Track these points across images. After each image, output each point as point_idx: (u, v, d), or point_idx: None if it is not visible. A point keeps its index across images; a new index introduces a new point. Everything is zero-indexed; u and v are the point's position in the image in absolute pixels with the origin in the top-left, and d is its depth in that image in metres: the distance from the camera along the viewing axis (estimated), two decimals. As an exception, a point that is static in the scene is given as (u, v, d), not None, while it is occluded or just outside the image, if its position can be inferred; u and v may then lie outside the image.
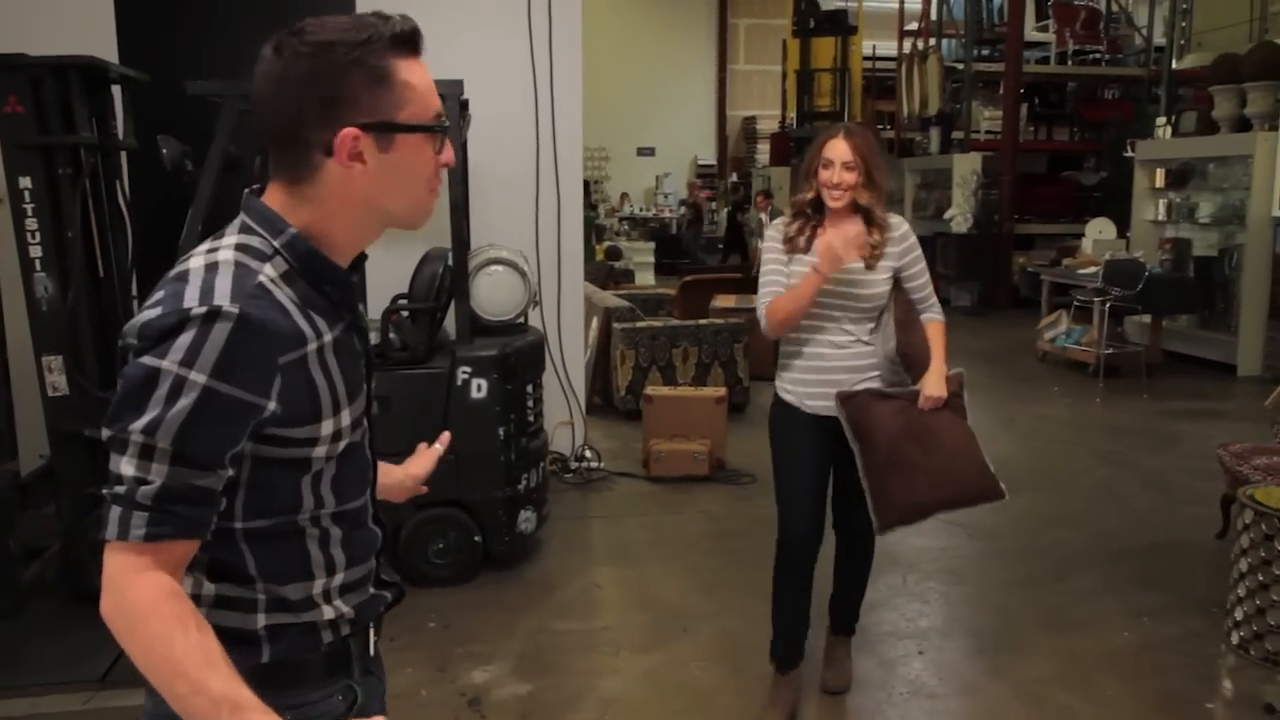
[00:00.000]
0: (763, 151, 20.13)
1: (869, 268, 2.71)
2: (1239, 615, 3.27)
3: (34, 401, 3.73)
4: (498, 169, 4.97)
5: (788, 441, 2.86)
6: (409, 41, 1.13)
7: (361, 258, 1.26)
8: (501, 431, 3.92)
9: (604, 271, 11.44)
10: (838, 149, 2.69)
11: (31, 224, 3.60)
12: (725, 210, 20.36)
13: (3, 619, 3.57)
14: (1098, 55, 13.98)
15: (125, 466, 1.02)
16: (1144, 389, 7.47)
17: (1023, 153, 12.73)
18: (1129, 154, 9.50)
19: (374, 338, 3.86)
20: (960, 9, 14.26)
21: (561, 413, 5.27)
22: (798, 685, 2.98)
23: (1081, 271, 8.52)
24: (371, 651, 1.32)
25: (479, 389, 3.88)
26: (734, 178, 21.27)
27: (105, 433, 1.04)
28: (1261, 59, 8.09)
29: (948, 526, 4.35)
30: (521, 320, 4.29)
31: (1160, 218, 9.08)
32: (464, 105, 3.97)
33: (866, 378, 2.76)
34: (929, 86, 13.43)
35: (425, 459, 1.58)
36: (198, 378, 1.02)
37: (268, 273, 1.10)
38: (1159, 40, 12.45)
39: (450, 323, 4.11)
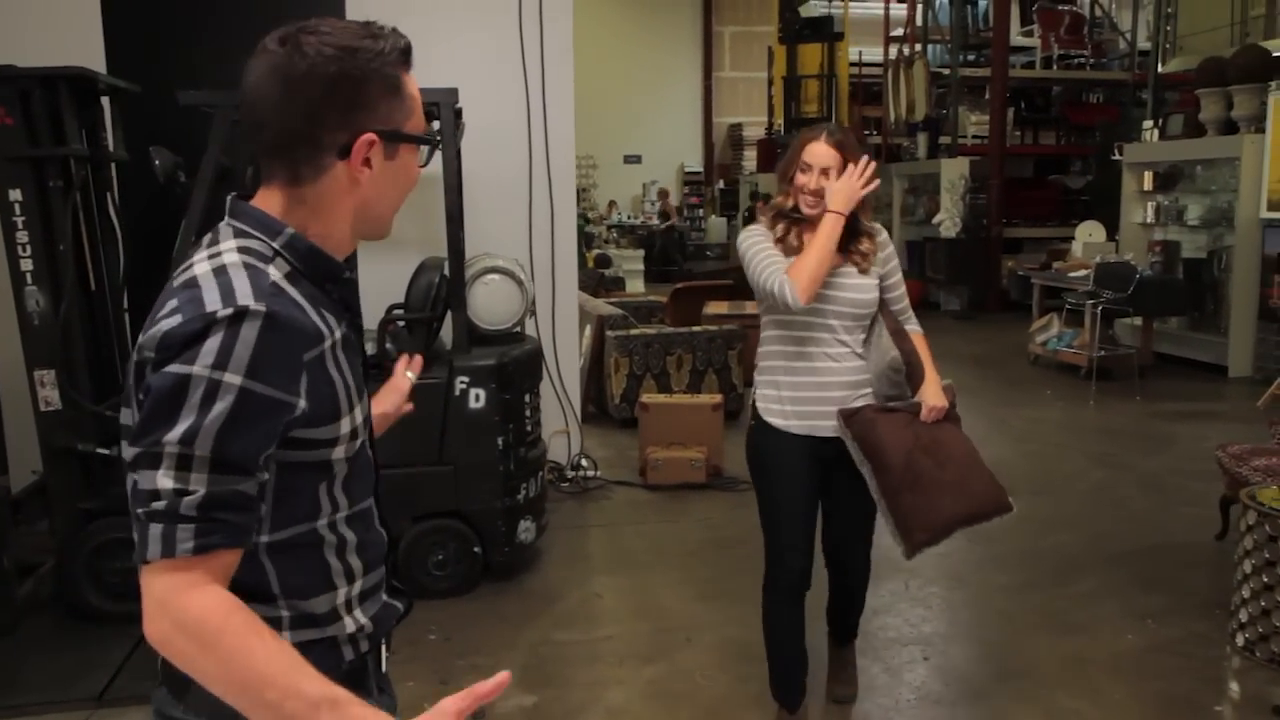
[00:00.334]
0: (749, 158, 20.18)
1: (863, 272, 2.59)
2: (1244, 617, 3.27)
3: (26, 416, 3.68)
4: (491, 177, 4.95)
5: (776, 469, 2.66)
6: (410, 55, 1.16)
7: (350, 258, 1.26)
8: (500, 441, 3.89)
9: (594, 279, 11.44)
10: (818, 152, 2.51)
11: (22, 237, 3.56)
12: (713, 216, 20.43)
13: (-2, 637, 3.53)
14: (1082, 60, 14.07)
15: (162, 480, 0.98)
16: (1136, 391, 7.49)
17: (1010, 157, 12.79)
18: (1117, 157, 9.56)
19: (371, 348, 3.83)
20: (945, 15, 14.35)
21: (557, 421, 5.24)
22: None
23: (1072, 275, 8.55)
24: (384, 668, 1.31)
25: (477, 399, 3.85)
26: (720, 185, 21.31)
27: (131, 450, 1.01)
28: (1247, 62, 8.15)
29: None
30: (518, 329, 4.27)
31: (1149, 220, 9.13)
32: (458, 114, 3.95)
33: (862, 394, 2.61)
34: (916, 92, 13.48)
35: (401, 380, 1.63)
36: (233, 379, 0.99)
37: (274, 273, 1.09)
38: (1142, 44, 12.54)
39: (447, 332, 4.08)
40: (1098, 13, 14.40)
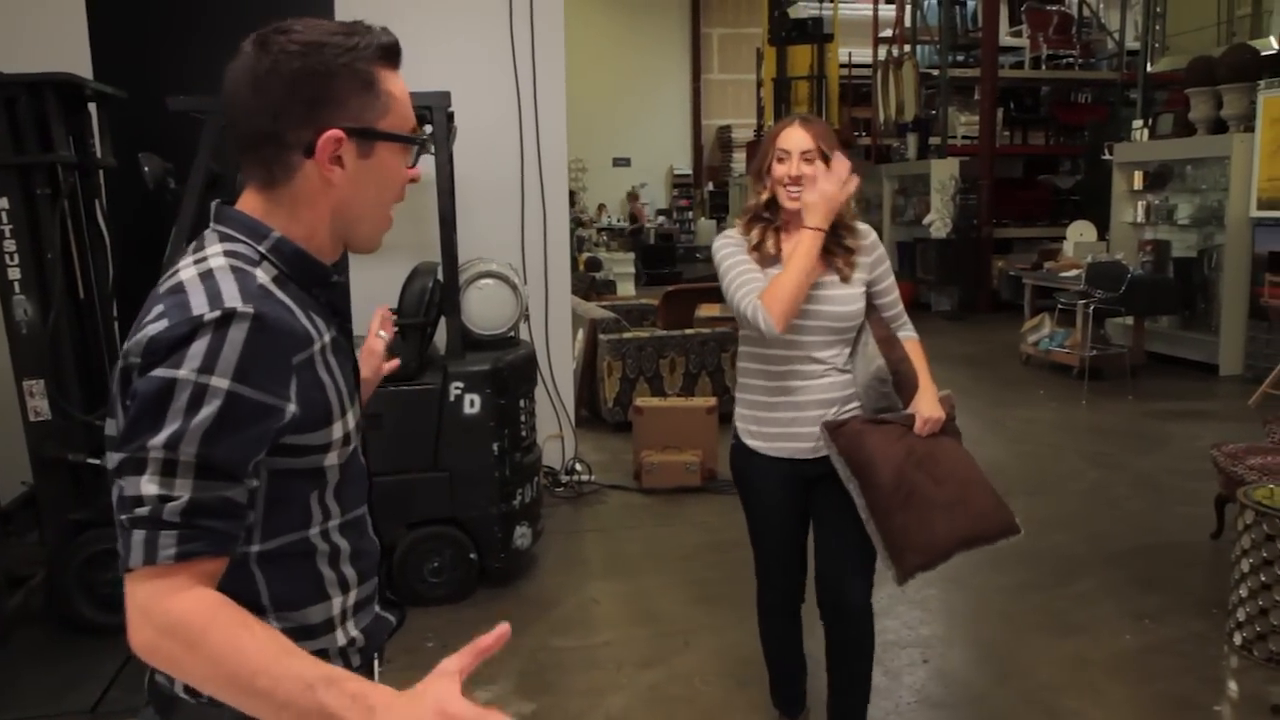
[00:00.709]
0: (739, 160, 20.18)
1: (844, 280, 2.35)
2: (1241, 616, 3.27)
3: (15, 427, 3.64)
4: (483, 181, 4.93)
5: (756, 493, 2.53)
6: (393, 53, 1.14)
7: (340, 262, 1.24)
8: (495, 447, 3.87)
9: (586, 282, 11.42)
10: (794, 138, 2.30)
11: (10, 245, 3.52)
12: (702, 219, 20.42)
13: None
14: (1071, 60, 14.11)
15: (146, 486, 0.96)
16: (1128, 390, 7.51)
17: (999, 157, 12.82)
18: (1106, 157, 9.58)
19: (363, 354, 3.79)
20: (934, 15, 14.38)
21: (551, 426, 5.22)
22: None
23: (1064, 275, 8.57)
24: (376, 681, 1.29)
25: (472, 404, 3.83)
26: (710, 187, 21.32)
27: (116, 456, 0.99)
28: (1236, 61, 8.19)
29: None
30: (513, 334, 4.25)
31: (1139, 220, 9.16)
32: (450, 117, 3.93)
33: (846, 411, 2.39)
34: (905, 93, 13.50)
35: (375, 341, 1.61)
36: (220, 383, 0.97)
37: (261, 277, 1.07)
38: (1130, 44, 12.59)
39: (441, 338, 4.05)
40: (1086, 13, 14.45)
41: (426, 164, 3.85)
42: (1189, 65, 8.88)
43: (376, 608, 1.28)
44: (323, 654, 1.14)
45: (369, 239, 1.18)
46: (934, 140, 13.09)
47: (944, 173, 12.03)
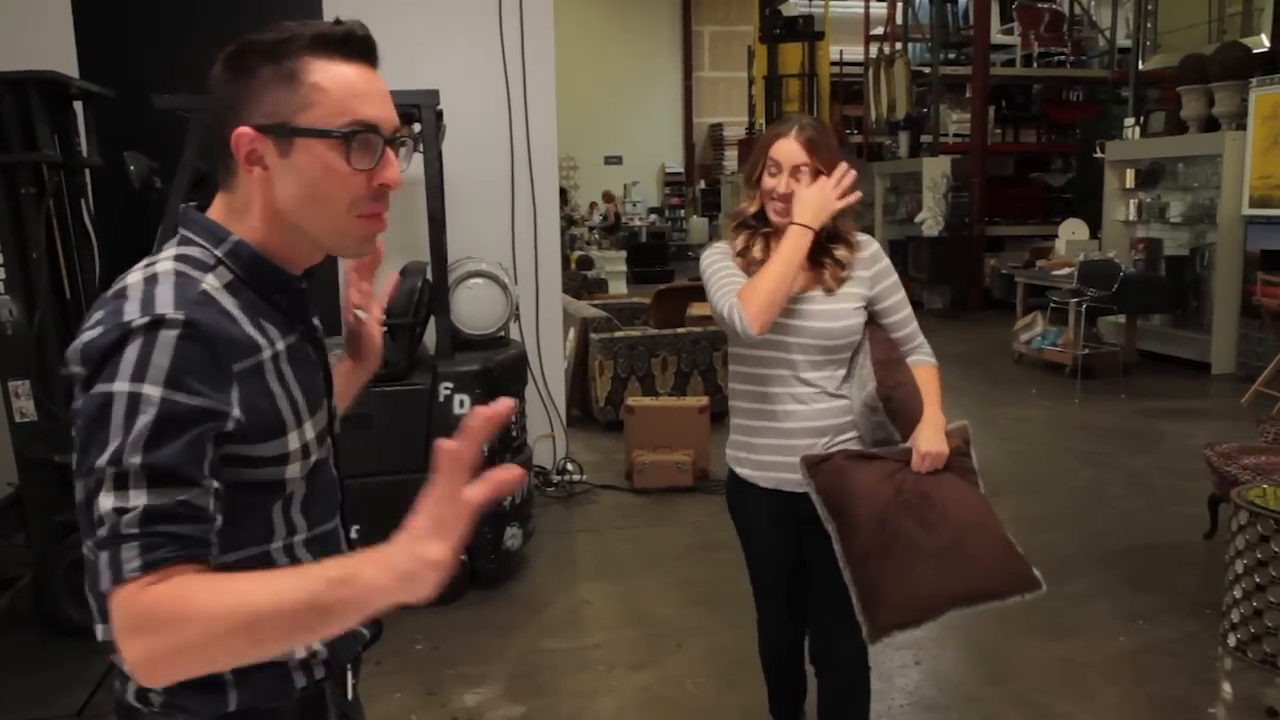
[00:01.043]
0: (730, 158, 20.18)
1: (829, 292, 2.12)
2: (1235, 617, 3.26)
3: (0, 428, 3.60)
4: (473, 180, 4.90)
5: (747, 528, 2.32)
6: (336, 43, 1.05)
7: (310, 269, 1.19)
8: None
9: (577, 281, 11.39)
10: (786, 149, 2.10)
11: (-7, 245, 3.49)
12: (694, 217, 20.41)
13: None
14: (1062, 57, 14.13)
15: (103, 503, 0.93)
16: (1121, 389, 7.51)
17: (991, 155, 12.83)
18: (1098, 155, 9.59)
19: (353, 355, 3.76)
20: (926, 13, 14.37)
21: (542, 426, 5.19)
22: None
23: (1056, 273, 8.57)
24: (350, 695, 1.25)
25: (461, 405, 3.79)
26: (702, 185, 21.31)
27: (78, 485, 0.96)
28: (1227, 59, 8.19)
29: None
30: (503, 334, 4.22)
31: (1131, 218, 9.17)
32: (439, 116, 3.90)
33: (840, 441, 2.15)
34: (896, 90, 13.49)
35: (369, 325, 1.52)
36: (152, 391, 0.95)
37: (210, 282, 1.05)
38: (1122, 42, 12.60)
39: (431, 338, 4.03)
40: (1077, 10, 14.47)
41: (413, 164, 3.82)
42: (1181, 63, 8.88)
43: None
44: (280, 667, 1.12)
45: (334, 244, 1.12)
46: (926, 138, 13.09)
47: (936, 171, 12.03)
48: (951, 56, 13.94)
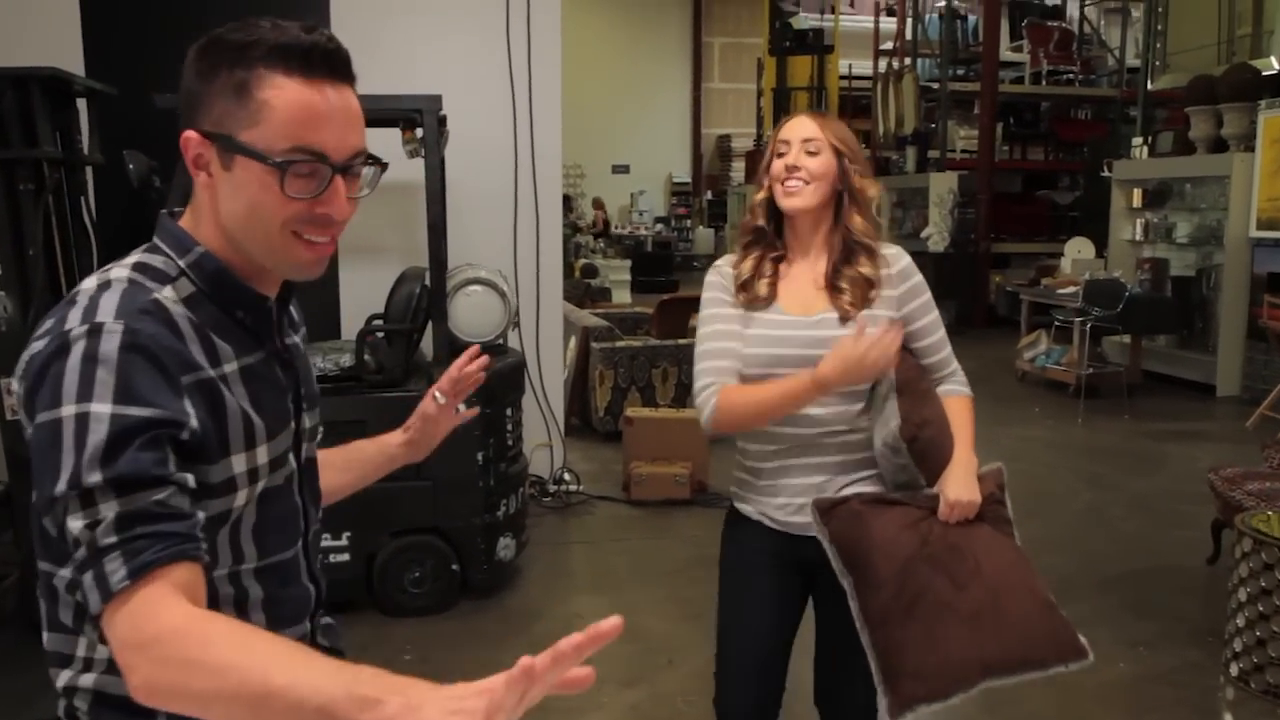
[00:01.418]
0: (738, 169, 20.18)
1: (845, 319, 1.83)
2: (1238, 646, 3.20)
3: (-8, 427, 3.57)
4: (476, 186, 4.87)
5: (737, 570, 1.99)
6: (298, 56, 0.98)
7: (289, 287, 1.15)
8: (480, 456, 3.80)
9: (581, 289, 11.35)
10: (798, 127, 1.86)
11: (-10, 241, 3.46)
12: (700, 227, 20.39)
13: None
14: (1071, 76, 14.12)
15: (73, 525, 0.89)
16: (1125, 409, 7.46)
17: (998, 172, 12.80)
18: (1106, 174, 9.56)
19: (349, 359, 3.74)
20: (935, 29, 14.37)
21: (540, 435, 5.15)
22: None
23: (1061, 291, 8.52)
24: None
25: (455, 413, 3.75)
26: (709, 195, 21.31)
27: (41, 517, 0.92)
28: (1237, 80, 8.17)
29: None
30: (501, 341, 4.18)
31: (1138, 238, 9.13)
32: (442, 121, 3.87)
33: (858, 478, 1.88)
34: (905, 106, 13.49)
35: (428, 403, 1.46)
36: (100, 409, 0.90)
37: (167, 294, 1.00)
38: (1131, 61, 12.59)
39: (428, 345, 3.99)
40: (1087, 29, 14.46)
41: (414, 169, 3.83)
42: (1189, 84, 8.86)
43: None
44: None
45: (273, 265, 1.06)
46: (933, 153, 13.07)
47: (942, 186, 12.01)
48: (960, 72, 13.94)
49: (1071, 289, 8.31)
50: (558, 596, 4.05)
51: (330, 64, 1.00)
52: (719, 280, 1.94)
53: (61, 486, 0.89)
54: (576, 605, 3.97)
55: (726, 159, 21.41)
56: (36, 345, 0.95)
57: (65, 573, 0.91)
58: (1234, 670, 3.23)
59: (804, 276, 1.89)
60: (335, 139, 1.00)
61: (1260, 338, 7.55)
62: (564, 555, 4.58)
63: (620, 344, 6.57)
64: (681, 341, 6.78)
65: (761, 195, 1.90)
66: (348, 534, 3.68)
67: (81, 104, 3.84)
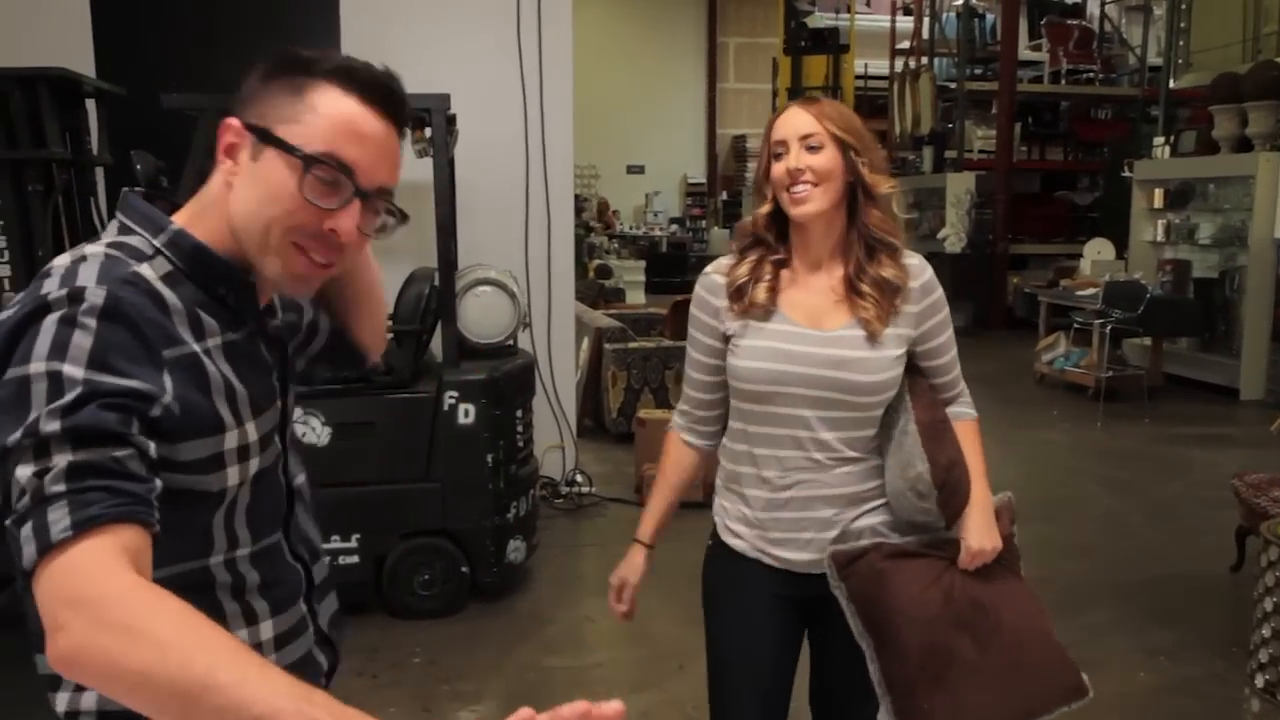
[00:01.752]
0: (753, 170, 20.03)
1: (872, 336, 1.63)
2: (1263, 657, 3.12)
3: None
4: (487, 187, 4.85)
5: (729, 612, 1.81)
6: (360, 80, 1.02)
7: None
8: (490, 458, 3.77)
9: (594, 290, 11.31)
10: (791, 123, 1.62)
11: (0, 242, 3.45)
12: (715, 228, 20.31)
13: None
14: (1091, 75, 13.96)
15: (21, 473, 0.82)
16: (1146, 413, 7.35)
17: (1016, 172, 12.68)
18: (1126, 174, 9.43)
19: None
20: (952, 28, 14.25)
21: (552, 436, 5.11)
22: None
23: (1080, 293, 8.42)
24: None
25: (466, 414, 3.72)
26: (724, 196, 21.23)
27: None
28: (1262, 78, 8.03)
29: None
30: (511, 343, 4.15)
31: (1159, 239, 9.01)
32: (451, 120, 3.84)
33: (863, 513, 1.70)
34: (921, 105, 13.37)
35: None
36: (74, 371, 0.86)
37: (145, 271, 0.97)
38: (1153, 60, 12.44)
39: (437, 345, 3.96)
40: (1107, 28, 14.30)
41: (424, 168, 3.79)
42: (1213, 82, 8.72)
43: (311, 644, 1.16)
44: None
45: (264, 266, 1.03)
46: (950, 154, 12.96)
47: (959, 187, 11.90)
48: (978, 72, 13.81)
49: (1091, 290, 8.21)
50: (568, 600, 4.01)
51: (389, 100, 1.03)
52: (704, 296, 1.73)
53: (16, 436, 0.84)
54: (587, 608, 3.92)
55: (741, 159, 21.29)
56: (6, 313, 0.91)
57: (7, 525, 0.84)
58: (1259, 681, 3.15)
59: (816, 285, 1.67)
60: (368, 163, 1.02)
61: (1284, 340, 7.43)
62: (575, 558, 4.54)
63: (633, 345, 6.53)
64: (695, 343, 6.71)
65: (766, 209, 1.68)
66: (357, 536, 3.65)
67: (91, 104, 3.83)
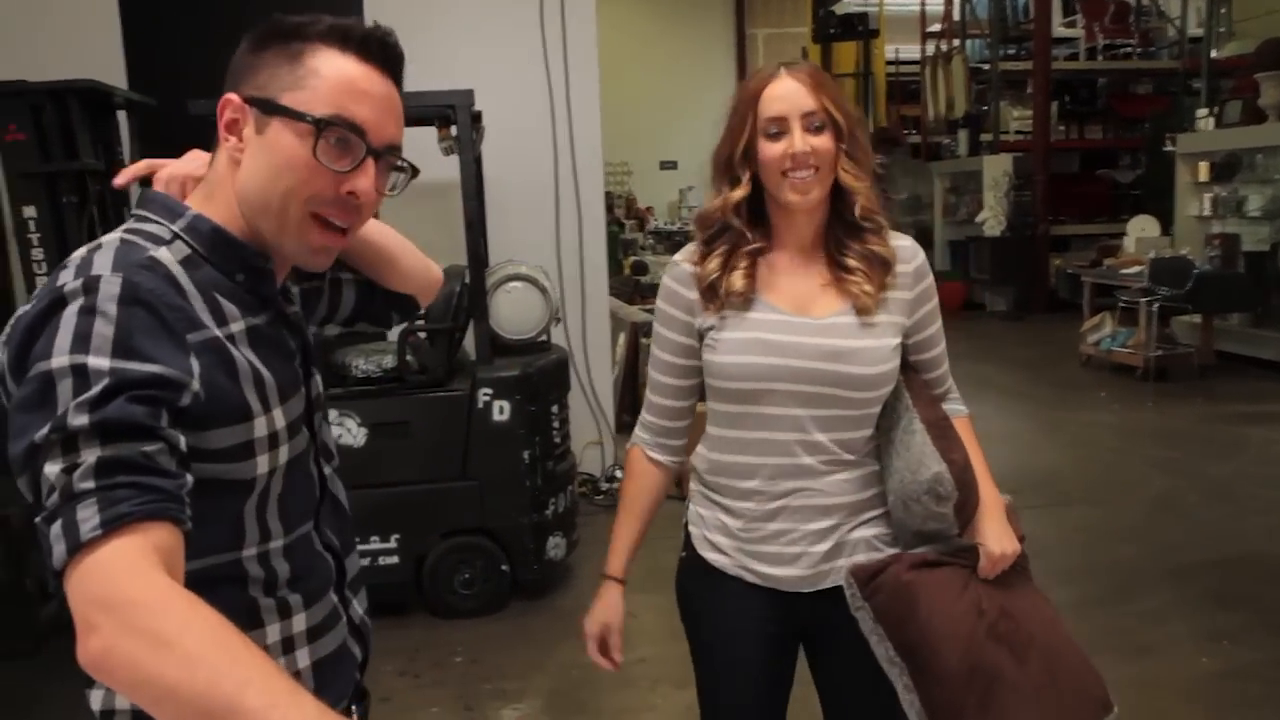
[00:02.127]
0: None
1: (865, 315, 1.48)
2: (1331, 638, 3.01)
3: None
4: (517, 183, 4.84)
5: (712, 639, 1.63)
6: (353, 38, 1.01)
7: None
8: (526, 455, 3.74)
9: (630, 286, 11.28)
10: (793, 96, 1.44)
11: (37, 254, 3.50)
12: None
13: (20, 659, 3.44)
14: (1129, 49, 13.64)
15: (49, 469, 0.80)
16: (1198, 392, 7.15)
17: (1055, 152, 12.42)
18: (1169, 148, 9.20)
19: (391, 360, 3.70)
20: (984, 8, 14.00)
21: (590, 432, 5.09)
22: None
23: (1125, 271, 8.21)
24: None
25: (501, 411, 3.70)
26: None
27: (15, 466, 0.84)
28: (1308, 43, 7.78)
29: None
30: (544, 339, 4.12)
31: (1205, 213, 8.76)
32: (476, 117, 3.82)
33: (860, 523, 1.55)
34: (955, 88, 13.16)
35: None
36: (99, 363, 0.83)
37: (163, 255, 0.95)
38: (1193, 31, 12.12)
39: (470, 343, 3.95)
40: (1144, 1, 13.97)
41: (454, 167, 3.78)
42: (1258, 49, 8.47)
43: (345, 634, 1.13)
44: None
45: (282, 242, 1.02)
46: (985, 136, 12.74)
47: (997, 169, 11.71)
48: (1011, 52, 13.54)
49: (1136, 269, 8.00)
50: (609, 596, 3.97)
51: (385, 54, 1.02)
52: (674, 288, 1.55)
53: (44, 431, 0.81)
54: (629, 604, 3.84)
55: (774, 151, 21.19)
56: (25, 308, 0.90)
57: (37, 523, 0.82)
58: (1328, 664, 3.03)
59: (801, 270, 1.52)
60: (376, 121, 1.00)
61: (1341, 313, 7.19)
62: (616, 554, 4.50)
63: (669, 339, 6.47)
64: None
65: (742, 193, 1.48)
66: (396, 536, 3.65)
67: (122, 115, 3.86)
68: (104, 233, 3.27)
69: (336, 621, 1.12)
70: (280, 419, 1.01)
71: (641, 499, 1.67)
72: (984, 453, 1.61)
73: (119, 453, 0.81)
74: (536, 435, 3.78)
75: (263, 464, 0.99)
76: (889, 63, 14.47)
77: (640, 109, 18.90)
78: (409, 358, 3.70)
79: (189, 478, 0.86)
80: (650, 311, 7.30)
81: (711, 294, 1.49)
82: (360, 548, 3.57)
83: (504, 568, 3.78)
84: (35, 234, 3.48)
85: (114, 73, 4.36)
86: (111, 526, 0.78)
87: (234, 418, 0.95)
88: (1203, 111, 9.12)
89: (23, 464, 0.83)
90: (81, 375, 0.83)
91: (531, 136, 4.90)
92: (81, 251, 0.95)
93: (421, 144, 4.01)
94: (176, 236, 0.99)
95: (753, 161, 1.46)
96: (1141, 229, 9.22)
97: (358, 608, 1.17)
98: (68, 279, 0.89)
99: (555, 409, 3.97)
